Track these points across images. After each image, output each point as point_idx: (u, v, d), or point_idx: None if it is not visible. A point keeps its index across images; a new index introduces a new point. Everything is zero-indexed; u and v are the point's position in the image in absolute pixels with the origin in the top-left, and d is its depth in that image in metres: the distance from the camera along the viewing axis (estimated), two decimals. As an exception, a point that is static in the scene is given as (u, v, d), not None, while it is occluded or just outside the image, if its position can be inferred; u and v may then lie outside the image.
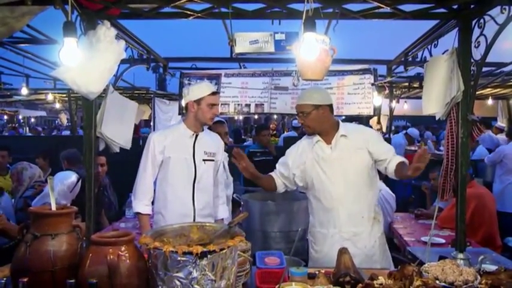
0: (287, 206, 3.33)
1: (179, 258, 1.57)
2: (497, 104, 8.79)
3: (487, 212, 4.27)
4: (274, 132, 11.81)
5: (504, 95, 8.07)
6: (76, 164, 4.43)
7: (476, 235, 4.12)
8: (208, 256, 1.58)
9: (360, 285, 1.89)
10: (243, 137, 13.49)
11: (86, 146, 2.80)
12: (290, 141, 3.92)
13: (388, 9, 2.69)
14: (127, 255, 1.72)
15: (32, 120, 21.35)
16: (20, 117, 19.05)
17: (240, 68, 5.46)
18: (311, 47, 2.42)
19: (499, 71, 5.42)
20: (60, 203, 2.92)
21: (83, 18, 2.65)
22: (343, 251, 2.16)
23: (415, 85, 6.49)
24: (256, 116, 5.40)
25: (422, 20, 2.85)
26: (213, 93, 2.92)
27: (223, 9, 2.80)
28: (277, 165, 2.94)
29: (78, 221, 2.94)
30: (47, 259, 1.75)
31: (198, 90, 2.91)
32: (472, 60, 2.65)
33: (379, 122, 6.90)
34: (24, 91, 7.60)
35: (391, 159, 2.65)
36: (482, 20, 2.52)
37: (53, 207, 1.90)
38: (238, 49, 3.80)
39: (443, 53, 2.80)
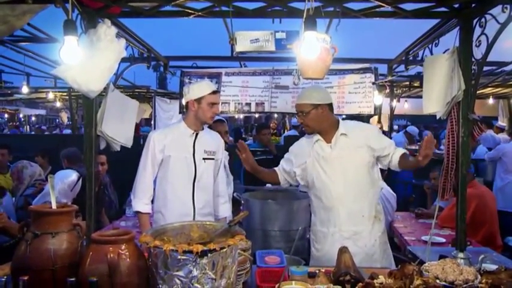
0: (287, 205, 3.33)
1: (179, 257, 1.57)
2: (498, 103, 8.78)
3: (488, 211, 4.28)
4: (275, 131, 11.80)
5: (505, 95, 8.05)
6: (76, 162, 4.43)
7: (477, 235, 4.12)
8: (209, 255, 1.59)
9: (360, 284, 1.89)
10: (243, 136, 13.48)
11: (87, 144, 2.80)
12: (291, 140, 3.93)
13: (389, 8, 2.69)
14: (127, 253, 1.72)
15: (33, 118, 21.36)
16: (21, 115, 19.07)
17: (241, 66, 5.46)
18: (312, 46, 2.42)
19: (500, 70, 5.41)
20: (61, 201, 2.92)
21: (84, 16, 2.64)
22: (343, 250, 2.16)
23: (415, 84, 6.48)
24: (256, 115, 5.39)
25: (423, 19, 2.84)
26: (214, 92, 2.92)
27: (223, 8, 2.79)
28: (281, 161, 3.01)
29: (79, 219, 2.95)
30: (48, 257, 1.75)
31: (198, 89, 2.91)
32: (473, 60, 2.64)
33: (379, 121, 6.89)
34: (25, 89, 7.60)
35: (394, 153, 2.68)
36: (483, 19, 2.51)
37: (54, 206, 1.91)
38: (238, 48, 3.80)
39: (444, 52, 2.79)
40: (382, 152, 2.70)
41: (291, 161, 2.91)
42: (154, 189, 3.00)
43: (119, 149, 3.14)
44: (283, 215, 3.28)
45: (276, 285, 1.87)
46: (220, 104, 4.60)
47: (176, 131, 2.97)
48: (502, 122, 8.73)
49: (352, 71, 4.58)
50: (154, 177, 2.97)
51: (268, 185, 3.84)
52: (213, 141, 3.07)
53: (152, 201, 3.00)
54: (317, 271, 2.12)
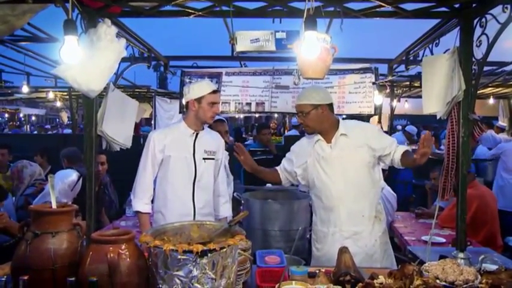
0: (287, 205, 3.33)
1: (179, 257, 1.57)
2: (499, 103, 8.77)
3: (489, 211, 4.27)
4: (275, 131, 11.81)
5: (505, 95, 8.04)
6: (76, 162, 4.43)
7: (478, 235, 4.12)
8: (209, 255, 1.59)
9: (360, 284, 1.89)
10: (243, 135, 13.49)
11: (87, 144, 2.80)
12: (292, 140, 3.93)
13: (389, 8, 2.68)
14: (127, 253, 1.73)
15: (33, 118, 21.35)
16: (21, 115, 19.06)
17: (241, 66, 5.45)
18: (312, 46, 2.42)
19: (500, 70, 5.40)
20: (61, 201, 2.91)
21: (84, 16, 2.64)
22: (343, 250, 2.16)
23: (416, 84, 6.47)
24: (256, 115, 5.38)
25: (424, 18, 2.84)
26: (214, 92, 2.91)
27: (224, 8, 2.79)
28: (283, 160, 3.01)
29: (79, 219, 2.95)
30: (48, 257, 1.75)
31: (198, 88, 2.90)
32: (474, 60, 2.64)
33: (379, 121, 6.89)
34: (25, 89, 7.59)
35: (395, 151, 2.66)
36: (483, 19, 2.51)
37: (54, 206, 1.91)
38: (239, 48, 3.80)
39: (444, 52, 2.79)
40: (383, 152, 2.69)
41: (292, 161, 2.92)
42: (154, 189, 3.00)
43: (118, 149, 3.14)
44: (283, 214, 3.28)
45: (276, 285, 1.87)
46: (220, 103, 4.59)
47: (176, 130, 2.97)
48: (502, 122, 8.73)
49: (352, 71, 4.57)
50: (154, 177, 2.97)
51: (269, 185, 3.84)
52: (213, 141, 3.07)
53: (152, 201, 3.01)
54: (317, 271, 2.12)
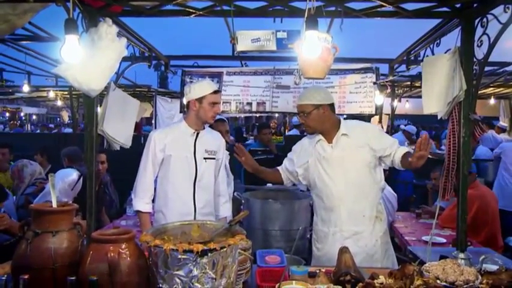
0: (288, 205, 3.33)
1: (180, 256, 1.57)
2: (500, 103, 8.76)
3: (490, 211, 4.27)
4: (275, 131, 11.80)
5: (506, 95, 8.04)
6: (77, 161, 4.43)
7: (479, 235, 4.12)
8: (209, 254, 1.58)
9: (361, 284, 1.89)
10: (244, 135, 13.49)
11: (87, 143, 2.80)
12: (292, 140, 3.93)
13: (390, 8, 2.68)
14: (127, 253, 1.72)
15: (34, 117, 21.37)
16: (22, 114, 19.09)
17: (242, 66, 5.45)
18: (313, 46, 2.41)
19: (501, 70, 5.41)
20: (62, 200, 2.92)
21: (85, 15, 2.64)
22: (343, 250, 2.16)
23: (417, 84, 6.47)
24: (257, 115, 5.37)
25: (425, 18, 2.83)
26: (215, 92, 2.91)
27: (225, 7, 2.79)
28: (284, 160, 3.01)
29: (79, 218, 2.95)
30: (48, 256, 1.75)
31: (199, 88, 2.90)
32: (475, 60, 2.64)
33: (380, 121, 6.89)
34: (26, 88, 7.61)
35: (396, 152, 2.65)
36: (485, 19, 2.51)
37: (54, 205, 1.91)
38: (240, 47, 3.80)
39: (445, 52, 2.79)
40: (384, 152, 2.69)
41: (293, 161, 2.92)
42: (155, 188, 3.00)
43: (118, 148, 3.14)
44: (283, 214, 3.28)
45: (276, 285, 1.87)
46: (221, 103, 4.59)
47: (177, 130, 2.97)
48: (503, 122, 8.72)
49: (353, 71, 4.56)
50: (155, 177, 2.97)
51: (269, 185, 3.84)
52: (214, 141, 3.07)
53: (153, 201, 3.01)
54: (317, 271, 2.11)
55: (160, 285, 1.62)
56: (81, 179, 4.15)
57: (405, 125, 10.82)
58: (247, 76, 4.77)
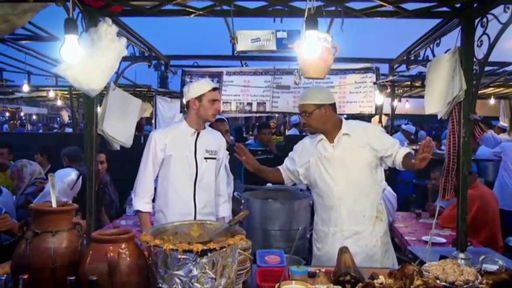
0: (288, 205, 3.33)
1: (179, 256, 1.57)
2: (500, 103, 8.76)
3: (490, 211, 4.27)
4: (275, 130, 11.80)
5: (506, 95, 8.03)
6: (77, 161, 4.43)
7: (479, 235, 4.12)
8: (209, 254, 1.58)
9: (360, 284, 1.88)
10: (244, 135, 13.49)
11: (87, 143, 2.80)
12: (292, 140, 3.92)
13: (390, 8, 2.68)
14: (127, 252, 1.72)
15: (34, 117, 21.36)
16: (22, 114, 19.08)
17: (242, 66, 5.45)
18: (313, 45, 2.41)
19: (501, 70, 5.40)
20: (61, 200, 2.92)
21: (85, 15, 2.64)
22: (343, 250, 2.16)
23: (417, 84, 6.46)
24: (257, 115, 5.38)
25: (425, 18, 2.83)
26: (214, 89, 2.92)
27: (225, 7, 2.79)
28: (285, 159, 3.01)
29: (79, 218, 2.95)
30: (47, 256, 1.75)
31: (198, 87, 2.91)
32: (475, 60, 2.64)
33: (380, 121, 6.89)
34: (26, 88, 7.59)
35: (397, 152, 2.66)
36: (485, 19, 2.51)
37: (54, 205, 1.91)
38: (240, 47, 3.79)
39: (445, 52, 2.78)
40: (385, 153, 2.69)
41: (294, 160, 2.92)
42: (155, 188, 3.00)
43: (118, 148, 3.14)
44: (283, 214, 3.28)
45: (276, 285, 1.87)
46: (221, 103, 4.59)
47: (177, 130, 2.97)
48: (503, 123, 8.71)
49: (353, 71, 4.56)
50: (155, 177, 2.97)
51: (269, 185, 3.84)
52: (214, 141, 3.07)
53: (153, 201, 3.01)
54: (317, 271, 2.11)
55: (160, 285, 1.62)
56: (80, 178, 4.15)
57: (405, 125, 10.85)
58: (247, 76, 4.76)
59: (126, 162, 3.78)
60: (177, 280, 1.58)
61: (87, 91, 2.60)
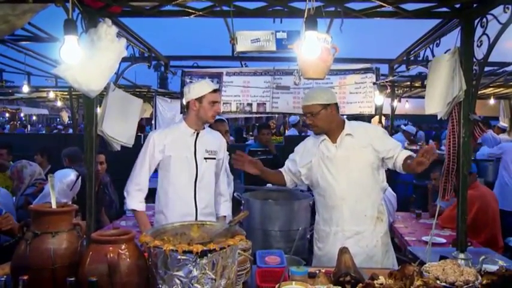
0: (288, 205, 3.33)
1: (179, 257, 1.57)
2: (499, 103, 8.77)
3: (491, 212, 4.27)
4: (274, 131, 11.80)
5: (506, 95, 8.04)
6: (77, 161, 4.43)
7: (479, 236, 4.12)
8: (209, 255, 1.58)
9: (360, 284, 1.88)
10: (244, 136, 13.49)
11: (87, 144, 2.80)
12: (292, 140, 3.92)
13: (390, 8, 2.68)
14: (127, 253, 1.72)
15: (34, 118, 21.35)
16: (22, 115, 19.08)
17: (242, 66, 5.45)
18: (312, 46, 2.41)
19: (501, 70, 5.41)
20: (60, 201, 2.91)
21: (84, 16, 2.64)
22: (343, 251, 2.16)
23: (416, 84, 6.47)
24: (257, 115, 5.38)
25: (425, 19, 2.83)
26: (214, 91, 2.92)
27: (224, 8, 2.79)
28: (286, 161, 3.01)
29: (79, 219, 2.95)
30: (47, 257, 1.75)
31: (199, 88, 2.91)
32: (474, 60, 2.64)
33: (380, 121, 6.89)
34: (26, 89, 7.59)
35: (398, 155, 2.67)
36: (484, 19, 2.51)
37: (53, 205, 1.90)
38: (239, 48, 3.79)
39: (445, 52, 2.79)
40: (387, 154, 2.71)
41: (296, 161, 2.92)
42: (154, 189, 2.99)
43: (119, 149, 3.14)
44: (283, 215, 3.28)
45: (276, 286, 1.87)
46: (221, 104, 4.59)
47: (177, 131, 2.96)
48: (503, 123, 8.72)
49: (353, 71, 4.57)
50: (149, 177, 2.96)
51: (269, 185, 3.84)
52: (214, 141, 3.07)
53: (153, 201, 3.00)
54: (317, 271, 2.11)
55: (160, 286, 1.62)
56: (80, 179, 4.15)
57: (405, 125, 10.85)
58: (247, 76, 4.76)
59: (126, 163, 3.76)
60: (177, 281, 1.58)
61: (87, 92, 2.60)
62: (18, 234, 1.90)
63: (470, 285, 1.86)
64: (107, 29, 2.57)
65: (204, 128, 3.02)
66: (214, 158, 3.02)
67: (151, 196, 3.05)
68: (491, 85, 6.55)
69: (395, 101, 7.04)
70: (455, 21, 2.88)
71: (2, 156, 5.43)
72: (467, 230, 2.72)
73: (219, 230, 1.93)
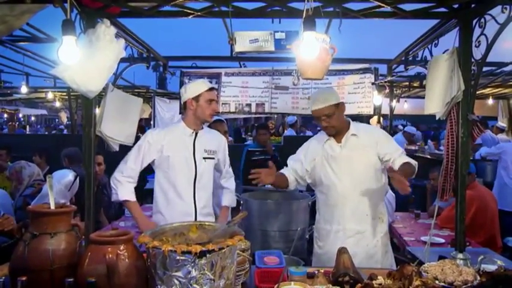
0: (286, 206, 3.33)
1: (178, 258, 1.57)
2: (498, 103, 8.78)
3: (489, 212, 4.27)
4: (273, 131, 11.79)
5: (505, 95, 8.06)
6: (77, 162, 4.43)
7: (478, 236, 4.12)
8: (207, 255, 1.58)
9: (359, 285, 1.88)
10: (243, 136, 13.48)
11: (86, 144, 2.79)
12: (291, 141, 3.92)
13: (388, 9, 2.68)
14: (126, 254, 1.72)
15: (32, 118, 21.32)
16: (20, 115, 19.05)
17: (240, 67, 5.45)
18: (311, 46, 2.41)
19: (499, 70, 5.42)
20: (59, 202, 2.90)
21: (83, 16, 2.64)
22: (342, 251, 2.16)
23: (415, 84, 6.47)
24: (256, 115, 5.39)
25: (423, 19, 2.84)
26: (210, 89, 2.92)
27: (223, 8, 2.79)
28: (289, 162, 2.97)
29: (77, 219, 2.94)
30: (46, 258, 1.74)
31: (195, 87, 2.91)
32: (473, 60, 2.64)
33: (379, 122, 6.89)
34: (24, 89, 7.59)
35: (395, 159, 2.66)
36: (482, 20, 2.51)
37: (52, 206, 1.90)
38: (238, 48, 3.79)
39: (443, 53, 2.79)
40: (385, 157, 2.72)
41: (301, 161, 2.90)
42: (153, 189, 2.99)
43: (117, 149, 3.13)
44: (282, 215, 3.28)
45: (275, 286, 1.87)
46: (220, 104, 4.60)
47: (175, 131, 2.96)
48: (502, 123, 8.73)
49: (351, 72, 4.57)
50: (139, 171, 2.92)
51: (268, 185, 3.83)
52: (213, 141, 3.06)
53: (152, 202, 3.00)
54: (316, 271, 2.11)
55: (159, 287, 1.62)
56: (78, 179, 4.14)
57: (403, 126, 10.84)
58: (246, 77, 4.76)
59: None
60: (176, 281, 1.58)
61: (86, 92, 2.59)
62: (17, 235, 1.89)
63: (469, 285, 1.87)
64: (105, 30, 2.57)
65: (202, 128, 3.02)
66: (213, 158, 3.02)
67: (149, 196, 3.04)
68: (489, 85, 6.56)
69: (394, 101, 7.04)
70: (453, 22, 2.89)
71: (1, 157, 5.42)
72: (465, 230, 2.72)
73: (217, 230, 1.93)
